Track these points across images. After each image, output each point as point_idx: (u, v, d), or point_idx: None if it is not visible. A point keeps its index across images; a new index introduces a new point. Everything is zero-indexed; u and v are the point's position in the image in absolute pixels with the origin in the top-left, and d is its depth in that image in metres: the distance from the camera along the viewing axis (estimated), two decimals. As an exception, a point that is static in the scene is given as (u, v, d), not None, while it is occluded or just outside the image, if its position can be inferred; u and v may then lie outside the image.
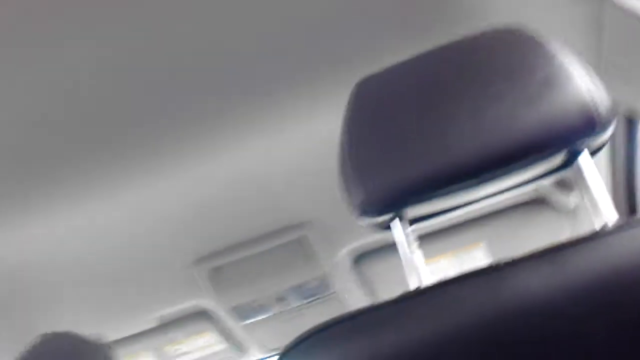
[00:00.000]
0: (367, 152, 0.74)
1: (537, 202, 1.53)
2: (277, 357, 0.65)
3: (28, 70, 1.03)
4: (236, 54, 1.10)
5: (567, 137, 0.72)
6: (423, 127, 0.73)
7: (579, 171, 0.74)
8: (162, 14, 1.01)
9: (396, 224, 0.75)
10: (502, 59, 0.78)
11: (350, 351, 0.59)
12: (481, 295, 0.57)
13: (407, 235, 0.75)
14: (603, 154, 1.35)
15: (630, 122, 1.36)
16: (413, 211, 0.76)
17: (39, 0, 0.93)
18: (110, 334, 1.52)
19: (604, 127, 0.73)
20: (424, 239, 1.42)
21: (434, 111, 0.74)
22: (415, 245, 0.76)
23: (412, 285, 0.74)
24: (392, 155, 0.73)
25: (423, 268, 0.75)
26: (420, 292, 0.59)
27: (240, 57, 1.11)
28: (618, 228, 0.60)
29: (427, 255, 1.49)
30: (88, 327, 1.44)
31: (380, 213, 0.74)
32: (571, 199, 1.51)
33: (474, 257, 1.57)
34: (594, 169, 0.74)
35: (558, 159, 0.75)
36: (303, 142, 1.27)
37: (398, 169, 0.72)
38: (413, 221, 0.78)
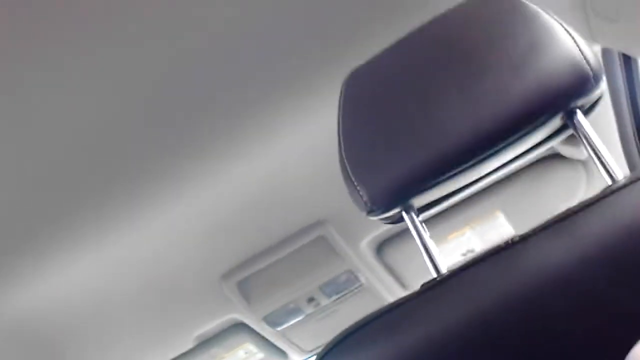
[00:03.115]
0: (363, 151, 0.74)
1: (548, 158, 1.51)
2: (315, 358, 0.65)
3: (58, 94, 1.03)
4: (234, 60, 1.10)
5: (560, 99, 0.71)
6: (414, 115, 0.73)
7: (579, 131, 0.74)
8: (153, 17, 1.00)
9: (405, 216, 0.75)
10: (483, 30, 0.77)
11: (383, 349, 0.60)
12: (499, 276, 0.57)
13: (418, 225, 0.75)
14: (606, 104, 1.34)
15: (626, 62, 1.34)
16: (420, 200, 0.75)
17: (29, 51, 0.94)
18: (152, 361, 1.54)
19: (596, 80, 0.72)
20: (441, 215, 1.42)
21: (423, 96, 0.74)
22: (427, 235, 0.76)
23: (432, 272, 0.74)
24: (387, 149, 0.72)
25: (438, 255, 0.75)
26: (440, 282, 0.60)
27: (237, 64, 1.11)
28: (625, 184, 0.59)
29: (447, 231, 1.50)
30: (131, 358, 1.46)
31: (387, 209, 0.74)
32: (582, 149, 1.49)
33: (495, 225, 1.56)
34: (590, 127, 0.73)
35: (556, 122, 0.75)
36: (308, 142, 1.28)
37: (396, 164, 0.72)
38: (422, 209, 0.78)
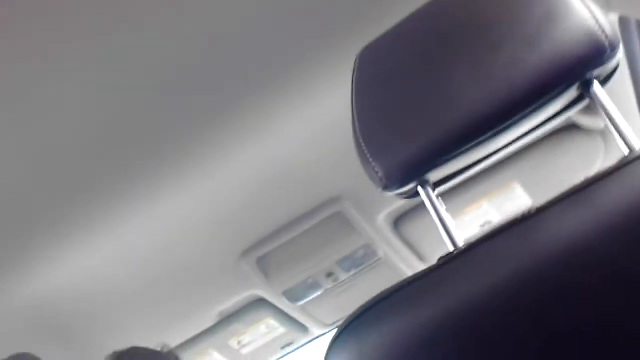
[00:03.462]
0: (377, 126, 0.74)
1: (566, 129, 1.50)
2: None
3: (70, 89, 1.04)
4: (244, 42, 1.10)
5: (576, 69, 0.70)
6: (427, 89, 0.73)
7: (596, 101, 0.73)
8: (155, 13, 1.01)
9: (421, 190, 0.75)
10: (497, 2, 0.77)
11: (403, 322, 0.60)
12: (516, 248, 0.57)
13: (434, 199, 0.75)
14: (624, 73, 1.32)
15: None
16: (435, 175, 0.76)
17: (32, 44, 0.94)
18: (174, 339, 1.56)
19: (613, 50, 0.71)
20: (457, 188, 1.42)
21: (436, 71, 0.74)
22: (443, 208, 0.76)
23: (449, 245, 0.74)
24: (402, 125, 0.72)
25: (454, 229, 0.75)
26: (456, 256, 0.60)
27: (248, 44, 1.11)
28: (642, 153, 0.59)
29: (465, 204, 1.50)
30: (152, 338, 1.49)
31: (403, 184, 0.74)
32: (599, 119, 1.48)
33: (513, 196, 1.56)
34: (607, 97, 0.72)
35: (572, 93, 0.74)
36: (322, 118, 1.28)
37: (410, 138, 0.72)
38: (438, 183, 0.78)
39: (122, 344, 1.20)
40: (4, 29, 0.92)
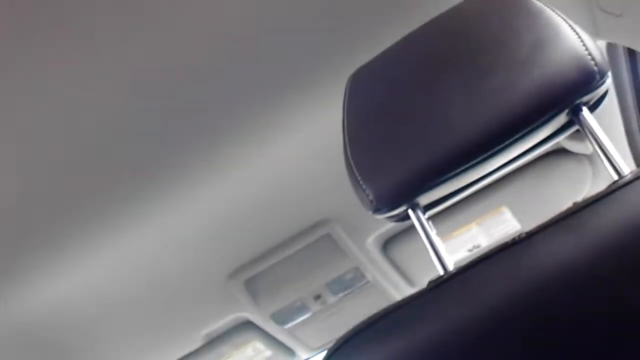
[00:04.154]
0: (369, 150, 0.74)
1: (554, 153, 1.51)
2: (323, 355, 0.65)
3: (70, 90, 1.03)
4: (238, 61, 1.10)
5: (566, 95, 0.71)
6: (420, 113, 0.73)
7: (584, 127, 0.74)
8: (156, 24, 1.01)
9: (412, 213, 0.75)
10: (489, 26, 0.77)
11: (392, 347, 0.60)
12: (506, 273, 0.57)
13: (424, 223, 0.75)
14: (612, 99, 1.33)
15: (631, 57, 1.33)
16: (426, 198, 0.76)
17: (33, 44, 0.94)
18: (159, 362, 1.55)
19: (602, 76, 0.72)
20: (447, 212, 1.42)
21: (428, 94, 0.74)
22: (433, 232, 0.76)
23: (439, 269, 0.74)
24: (393, 148, 0.72)
25: (444, 253, 0.75)
26: (447, 279, 0.60)
27: (241, 65, 1.11)
28: (631, 180, 0.59)
29: (453, 227, 1.50)
30: (139, 359, 1.47)
31: (393, 207, 0.74)
32: (587, 143, 1.49)
33: (501, 220, 1.56)
34: (596, 123, 0.73)
35: (562, 119, 0.75)
36: (313, 141, 1.28)
37: (401, 162, 0.72)
38: (428, 206, 0.78)
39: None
40: (8, 28, 0.91)
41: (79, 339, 1.48)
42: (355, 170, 0.75)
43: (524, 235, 0.60)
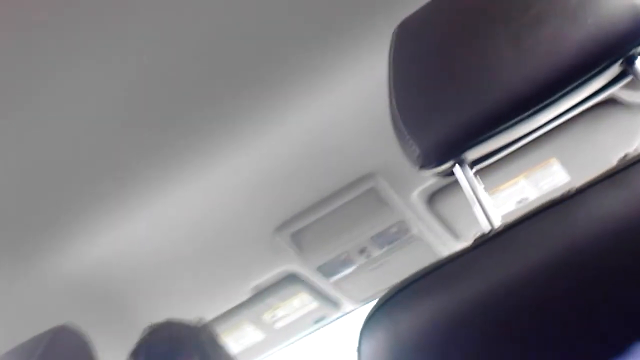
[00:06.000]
0: (415, 104, 0.73)
1: (605, 103, 1.46)
2: (370, 306, 0.66)
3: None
4: (272, 16, 1.10)
5: (619, 45, 0.68)
6: (467, 66, 0.71)
7: (638, 77, 0.71)
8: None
9: (458, 169, 0.74)
10: None
11: (440, 302, 0.60)
12: (555, 230, 0.56)
13: (470, 179, 0.74)
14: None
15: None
16: (473, 153, 0.74)
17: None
18: (209, 313, 1.59)
19: None
20: (494, 165, 1.40)
21: (475, 47, 0.72)
22: (481, 187, 0.75)
23: (484, 226, 0.73)
24: (441, 103, 0.71)
25: (491, 208, 0.74)
26: (491, 237, 0.59)
27: (281, 25, 1.10)
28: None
29: (502, 180, 1.48)
30: (188, 310, 1.51)
31: (440, 163, 0.73)
32: (640, 93, 1.44)
33: (550, 172, 1.53)
34: None
35: (615, 69, 0.72)
36: (357, 95, 1.27)
37: (449, 117, 0.70)
38: (475, 162, 0.76)
39: (159, 317, 1.22)
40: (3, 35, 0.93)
41: (131, 292, 1.53)
42: (402, 125, 0.74)
43: (573, 190, 0.59)
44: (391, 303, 0.62)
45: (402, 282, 0.62)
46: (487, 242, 0.59)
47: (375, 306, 0.63)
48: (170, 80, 1.15)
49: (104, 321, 1.52)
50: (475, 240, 0.62)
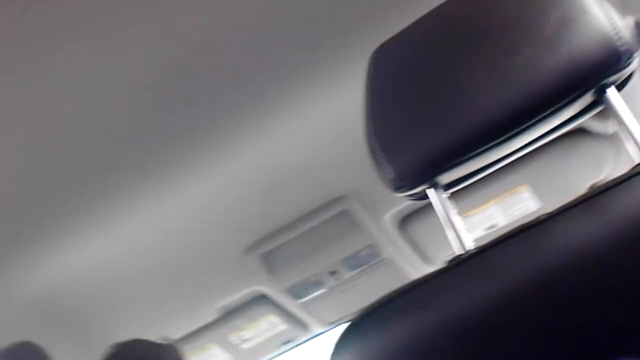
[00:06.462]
0: (391, 126, 0.74)
1: (576, 132, 1.49)
2: (339, 329, 0.65)
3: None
4: (259, 39, 1.10)
5: (592, 75, 0.69)
6: (442, 90, 0.72)
7: (610, 107, 0.72)
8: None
9: (432, 192, 0.75)
10: (514, 4, 0.76)
11: (410, 325, 0.60)
12: (526, 254, 0.56)
13: (443, 201, 0.75)
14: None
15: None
16: (447, 177, 0.75)
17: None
18: (175, 333, 1.56)
19: (629, 56, 0.70)
20: (464, 190, 1.42)
21: (451, 72, 0.73)
22: (453, 211, 0.76)
23: (456, 248, 0.74)
24: (416, 127, 0.72)
25: (463, 232, 0.75)
26: (464, 260, 0.59)
27: (261, 43, 1.11)
28: (655, 162, 0.58)
29: (472, 205, 1.49)
30: (154, 330, 1.49)
31: (414, 185, 0.74)
32: (609, 124, 1.47)
33: (520, 199, 1.55)
34: (622, 103, 0.71)
35: (587, 99, 0.73)
36: (331, 117, 1.27)
37: (424, 140, 0.71)
38: (448, 185, 0.77)
39: (124, 336, 1.19)
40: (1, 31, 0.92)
41: (96, 310, 1.50)
42: (377, 148, 0.75)
43: (544, 216, 0.60)
44: (364, 323, 0.62)
45: (376, 302, 0.62)
46: (460, 264, 0.60)
47: (348, 326, 0.62)
48: (140, 100, 1.14)
49: (68, 339, 1.49)
50: (448, 262, 0.62)
